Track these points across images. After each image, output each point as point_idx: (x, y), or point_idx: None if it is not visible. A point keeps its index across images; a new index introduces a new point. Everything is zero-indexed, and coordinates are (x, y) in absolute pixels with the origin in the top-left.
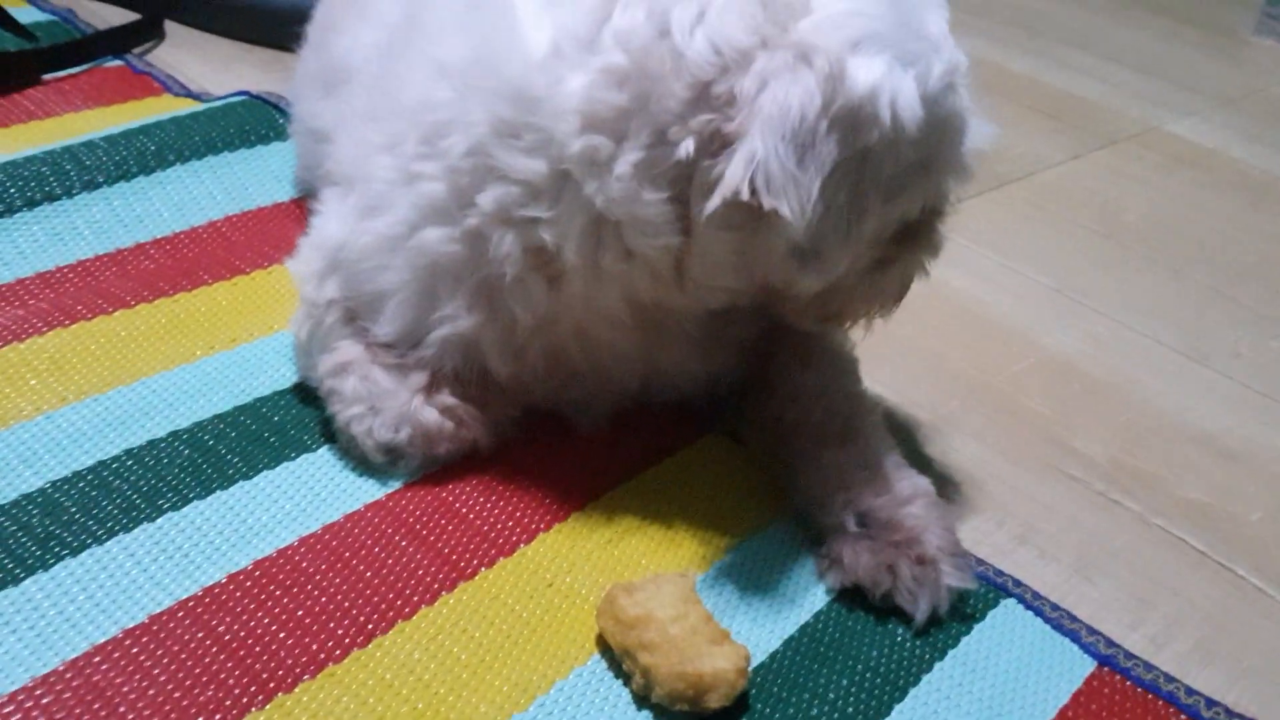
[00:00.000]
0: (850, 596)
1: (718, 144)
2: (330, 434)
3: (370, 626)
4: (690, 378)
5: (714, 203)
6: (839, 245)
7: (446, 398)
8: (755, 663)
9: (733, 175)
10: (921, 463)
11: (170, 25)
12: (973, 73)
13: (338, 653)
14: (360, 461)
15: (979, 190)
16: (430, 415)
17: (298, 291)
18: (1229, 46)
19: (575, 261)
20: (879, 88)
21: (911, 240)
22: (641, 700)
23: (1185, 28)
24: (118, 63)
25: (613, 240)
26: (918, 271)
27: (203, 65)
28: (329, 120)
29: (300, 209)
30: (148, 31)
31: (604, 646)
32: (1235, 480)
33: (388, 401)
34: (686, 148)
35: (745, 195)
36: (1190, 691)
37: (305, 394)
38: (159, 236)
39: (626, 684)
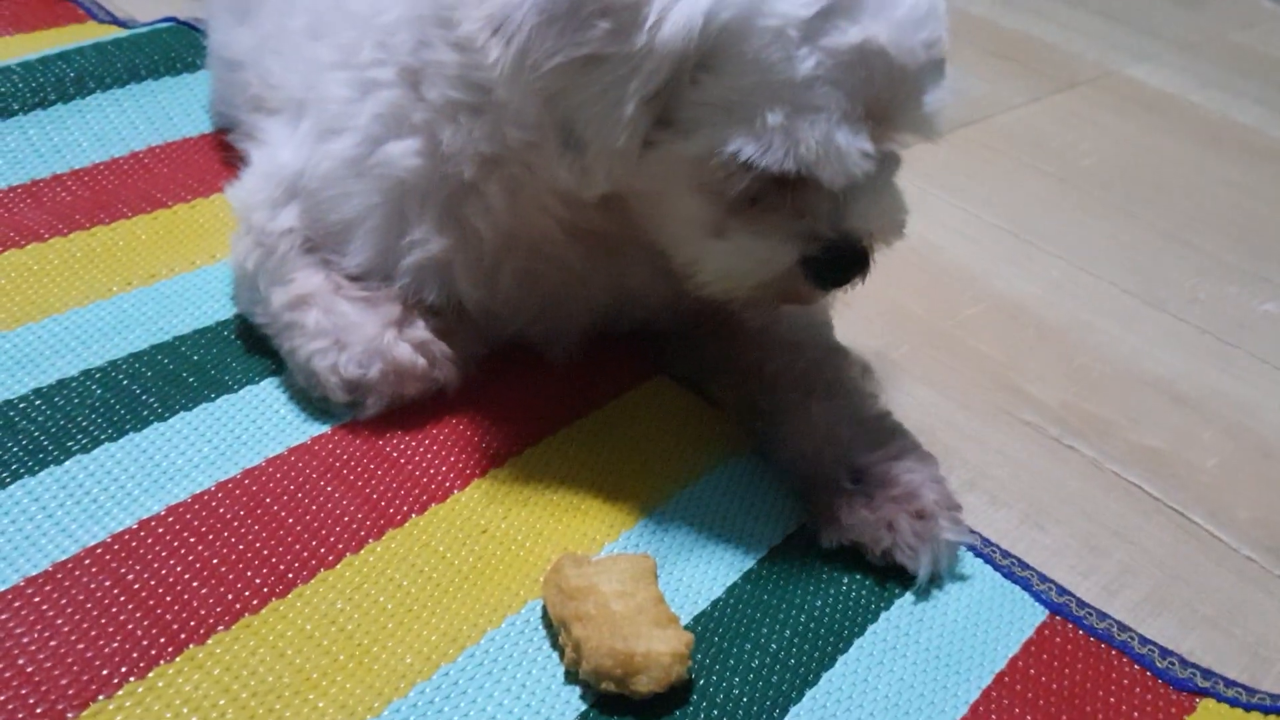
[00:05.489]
0: (795, 544)
1: None
2: (253, 375)
3: (290, 575)
4: (658, 296)
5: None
6: (596, 140)
7: (419, 331)
8: (697, 610)
9: (480, 11)
10: None
11: None
12: None
13: (255, 602)
14: (320, 401)
15: None
16: (404, 351)
17: (241, 220)
18: None
19: (513, 165)
20: None
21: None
22: (569, 674)
23: None
24: None
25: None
26: (811, 290)
27: None
28: (243, 48)
29: (224, 141)
30: None
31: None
32: (1190, 426)
33: (355, 335)
34: None
35: (483, 39)
36: (1144, 641)
37: (227, 333)
38: (76, 167)
39: (560, 658)
